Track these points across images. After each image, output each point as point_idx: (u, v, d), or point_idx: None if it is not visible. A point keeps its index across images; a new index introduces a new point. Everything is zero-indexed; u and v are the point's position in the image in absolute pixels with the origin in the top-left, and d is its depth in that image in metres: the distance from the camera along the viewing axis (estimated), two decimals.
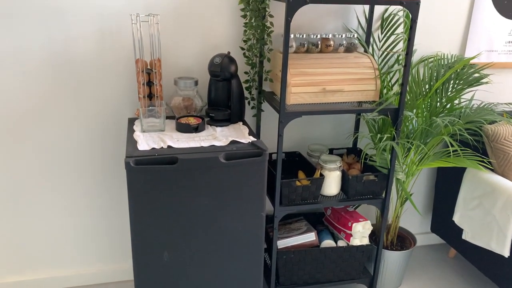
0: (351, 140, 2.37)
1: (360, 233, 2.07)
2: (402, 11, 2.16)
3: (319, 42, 1.96)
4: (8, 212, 2.08)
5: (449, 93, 2.10)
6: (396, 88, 2.21)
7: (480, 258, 2.20)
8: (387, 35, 2.15)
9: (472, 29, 2.31)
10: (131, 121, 1.94)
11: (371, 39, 2.17)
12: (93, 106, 2.01)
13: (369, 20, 2.12)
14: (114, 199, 2.19)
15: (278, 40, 2.01)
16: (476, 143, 2.20)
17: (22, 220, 2.11)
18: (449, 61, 2.19)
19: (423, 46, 2.30)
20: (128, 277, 2.34)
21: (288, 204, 1.94)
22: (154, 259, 1.68)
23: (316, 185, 1.94)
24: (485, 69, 2.13)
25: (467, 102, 2.28)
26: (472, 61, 2.29)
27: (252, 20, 1.88)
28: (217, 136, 1.77)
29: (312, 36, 1.95)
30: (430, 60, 2.24)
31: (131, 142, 1.69)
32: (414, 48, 2.27)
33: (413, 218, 2.68)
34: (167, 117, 1.96)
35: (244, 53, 1.98)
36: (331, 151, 2.25)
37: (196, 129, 1.80)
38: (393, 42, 2.16)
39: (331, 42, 1.96)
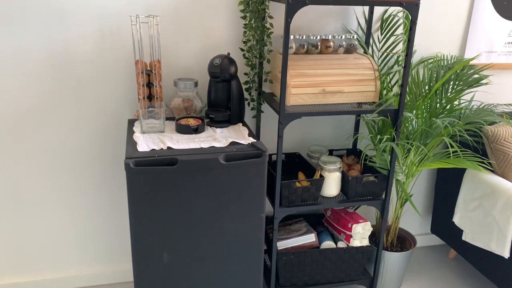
0: (351, 141, 2.37)
1: (360, 234, 2.07)
2: (401, 12, 2.16)
3: (318, 43, 1.96)
4: (8, 213, 2.08)
5: (449, 94, 2.10)
6: (396, 89, 2.21)
7: (480, 259, 2.20)
8: (387, 36, 2.15)
9: (471, 30, 2.31)
10: (131, 122, 1.94)
11: (371, 40, 2.17)
12: (92, 107, 2.01)
13: (369, 21, 2.12)
14: (113, 200, 2.18)
15: (277, 41, 2.01)
16: (476, 144, 2.20)
17: (22, 221, 2.11)
18: (449, 62, 2.19)
19: (423, 47, 2.30)
20: (128, 279, 2.34)
21: (288, 205, 1.94)
22: (154, 261, 1.68)
23: (316, 186, 1.94)
24: (484, 70, 2.13)
25: (467, 103, 2.28)
26: (471, 62, 2.29)
27: (252, 21, 1.88)
28: (217, 137, 1.77)
29: (311, 37, 1.95)
30: (429, 61, 2.24)
31: (131, 143, 1.69)
32: (413, 49, 2.27)
33: (413, 219, 2.68)
34: (167, 118, 1.96)
35: (244, 54, 1.98)
36: (331, 152, 2.25)
37: (196, 130, 1.80)
38: (392, 43, 2.16)
39: (331, 43, 1.96)
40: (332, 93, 1.86)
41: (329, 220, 2.23)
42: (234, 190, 1.66)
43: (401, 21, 2.16)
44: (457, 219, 2.25)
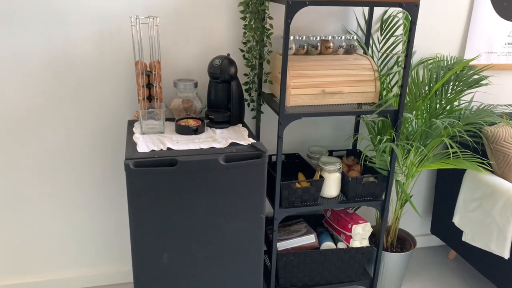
0: (350, 142, 2.37)
1: (360, 235, 2.07)
2: (401, 13, 2.16)
3: (318, 44, 1.96)
4: (7, 214, 2.08)
5: (448, 94, 2.10)
6: (395, 90, 2.21)
7: (480, 260, 2.20)
8: (387, 37, 2.15)
9: (471, 31, 2.31)
10: (131, 123, 1.94)
11: (371, 41, 2.18)
12: (92, 107, 2.01)
13: (369, 22, 2.12)
14: (113, 200, 2.18)
15: (277, 42, 2.01)
16: (476, 145, 2.20)
17: (22, 221, 2.11)
18: (449, 63, 2.19)
19: (423, 48, 2.30)
20: (127, 279, 2.34)
21: (288, 206, 1.94)
22: (153, 261, 1.68)
23: (316, 187, 1.94)
24: (484, 70, 2.13)
25: (467, 103, 2.29)
26: (471, 63, 2.29)
27: (252, 22, 1.88)
28: (217, 138, 1.77)
29: (311, 38, 1.95)
30: (429, 61, 2.24)
31: (131, 144, 1.69)
32: (413, 49, 2.27)
33: (413, 220, 2.68)
34: (167, 119, 1.96)
35: (243, 55, 1.98)
36: (330, 153, 2.25)
37: (196, 131, 1.80)
38: (392, 44, 2.16)
39: (331, 44, 1.96)
40: (332, 93, 1.86)
41: (329, 221, 2.23)
42: (234, 191, 1.66)
43: (400, 21, 2.16)
44: (457, 219, 2.25)
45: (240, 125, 1.93)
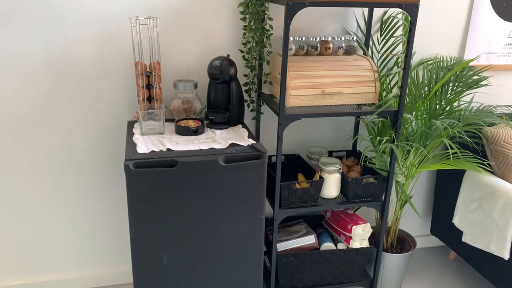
0: (350, 143, 2.37)
1: (360, 236, 2.07)
2: (401, 14, 2.16)
3: (318, 45, 1.96)
4: (7, 215, 2.08)
5: (448, 95, 2.10)
6: (395, 91, 2.21)
7: (480, 261, 2.20)
8: (386, 37, 2.15)
9: (471, 32, 2.32)
10: (131, 124, 1.94)
11: (370, 42, 2.18)
12: (92, 108, 2.01)
13: (368, 23, 2.12)
14: (113, 201, 2.18)
15: (277, 42, 2.01)
16: (476, 146, 2.20)
17: (21, 222, 2.11)
18: (448, 64, 2.19)
19: (422, 49, 2.30)
20: (127, 280, 2.33)
21: (288, 206, 1.94)
22: (153, 262, 1.68)
23: (315, 187, 1.94)
24: (484, 71, 2.13)
25: (467, 104, 2.29)
26: (471, 64, 2.29)
27: (252, 23, 1.88)
28: (217, 139, 1.77)
29: (311, 39, 1.95)
30: (429, 62, 2.24)
31: (131, 145, 1.69)
32: (413, 50, 2.27)
33: (413, 221, 2.68)
34: (167, 120, 1.96)
35: (243, 56, 1.98)
36: (330, 154, 2.25)
37: (196, 131, 1.80)
38: (392, 44, 2.16)
39: (330, 45, 1.96)
40: (331, 94, 1.86)
41: (329, 221, 2.23)
42: (233, 192, 1.66)
43: (400, 22, 2.16)
44: (457, 220, 2.25)
45: (240, 126, 1.93)
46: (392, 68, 2.19)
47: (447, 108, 2.12)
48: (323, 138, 2.33)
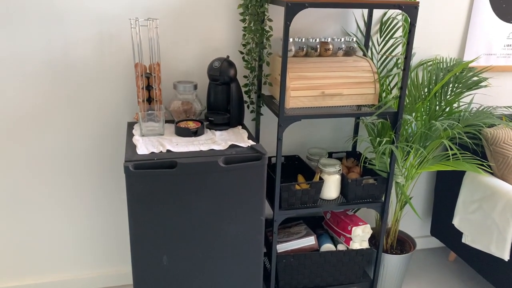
0: (350, 144, 2.37)
1: (360, 237, 2.07)
2: (400, 15, 2.16)
3: (318, 46, 1.96)
4: (7, 217, 2.08)
5: (448, 96, 2.10)
6: (395, 92, 2.21)
7: (480, 262, 2.19)
8: (386, 38, 2.15)
9: (470, 33, 2.32)
10: (130, 125, 1.94)
11: (370, 43, 2.18)
12: (92, 109, 2.01)
13: (368, 24, 2.12)
14: (113, 202, 2.18)
15: (277, 44, 2.01)
16: (475, 147, 2.20)
17: (21, 223, 2.11)
18: (448, 65, 2.19)
19: (422, 50, 2.30)
20: (127, 281, 2.33)
21: (288, 208, 1.94)
22: (153, 263, 1.68)
23: (315, 189, 1.94)
24: (483, 72, 2.13)
25: (466, 105, 2.29)
26: (471, 65, 2.30)
27: (251, 24, 1.88)
28: (216, 140, 1.77)
29: (311, 40, 1.95)
30: (429, 63, 2.24)
31: (130, 146, 1.69)
32: (413, 51, 2.27)
33: (412, 222, 2.68)
34: (166, 121, 1.96)
35: (243, 57, 1.98)
36: (330, 155, 2.25)
37: (195, 133, 1.80)
38: (392, 45, 2.16)
39: (330, 46, 1.96)
40: (331, 95, 1.86)
41: (329, 222, 2.23)
42: (233, 193, 1.66)
43: (400, 23, 2.16)
44: (457, 221, 2.25)
45: (240, 127, 1.93)
46: (391, 69, 2.19)
47: (447, 109, 2.12)
48: (323, 139, 2.33)
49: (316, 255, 2.03)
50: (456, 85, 2.09)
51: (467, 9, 2.28)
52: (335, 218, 2.18)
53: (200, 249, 1.70)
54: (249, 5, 1.86)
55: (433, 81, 2.08)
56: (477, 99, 2.45)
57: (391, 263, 2.22)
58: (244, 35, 1.91)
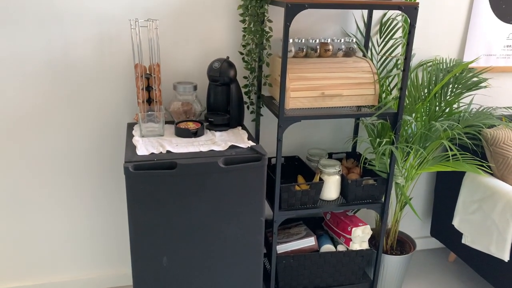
0: (350, 145, 2.37)
1: (360, 238, 2.07)
2: (400, 16, 2.16)
3: (317, 47, 1.96)
4: (7, 217, 2.08)
5: (448, 97, 2.10)
6: (395, 93, 2.21)
7: (480, 262, 2.19)
8: (386, 39, 2.15)
9: (470, 33, 2.32)
10: (130, 126, 1.94)
11: (370, 44, 2.18)
12: (92, 110, 2.01)
13: (368, 25, 2.12)
14: (113, 203, 2.18)
15: (277, 44, 2.01)
16: (475, 147, 2.20)
17: (20, 224, 2.11)
18: (448, 66, 2.19)
19: (422, 51, 2.30)
20: (127, 283, 2.33)
21: (288, 208, 1.94)
22: (153, 264, 1.68)
23: (315, 189, 1.94)
24: (483, 73, 2.13)
25: (466, 106, 2.29)
26: (470, 65, 2.30)
27: (251, 25, 1.88)
28: (216, 141, 1.77)
29: (311, 41, 1.95)
30: (428, 64, 2.24)
31: (130, 147, 1.69)
32: (412, 52, 2.27)
33: (412, 223, 2.68)
34: (166, 122, 1.96)
35: (243, 58, 1.99)
36: (330, 156, 2.25)
37: (195, 134, 1.80)
38: (391, 46, 2.16)
39: (330, 47, 1.96)
40: (331, 96, 1.86)
41: (329, 223, 2.23)
42: (233, 194, 1.66)
43: (400, 24, 2.16)
44: (457, 222, 2.25)
45: (240, 127, 1.93)
46: (391, 70, 2.19)
47: (447, 110, 2.12)
48: (322, 140, 2.33)
49: (316, 256, 2.03)
50: (456, 85, 2.09)
51: (466, 10, 2.28)
52: (335, 219, 2.18)
53: (200, 250, 1.70)
54: (249, 6, 1.86)
55: (433, 82, 2.08)
56: (477, 100, 2.45)
57: (391, 264, 2.22)
58: (244, 36, 1.92)
